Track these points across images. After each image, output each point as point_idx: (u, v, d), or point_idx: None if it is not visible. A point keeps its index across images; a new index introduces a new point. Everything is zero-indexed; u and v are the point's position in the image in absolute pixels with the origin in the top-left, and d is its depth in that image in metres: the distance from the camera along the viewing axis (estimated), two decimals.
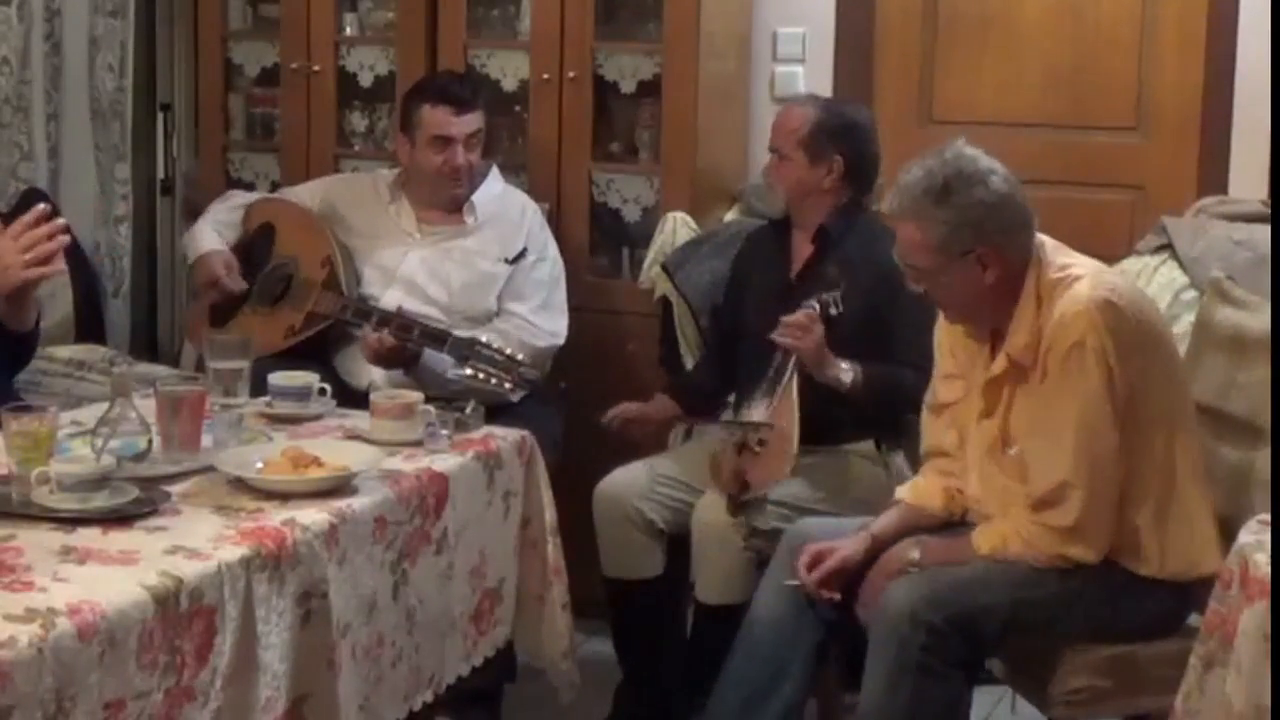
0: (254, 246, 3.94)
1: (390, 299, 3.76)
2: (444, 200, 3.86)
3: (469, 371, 3.33)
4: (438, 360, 3.55)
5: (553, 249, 3.93)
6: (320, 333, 3.76)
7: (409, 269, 3.81)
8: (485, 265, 3.82)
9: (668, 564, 3.49)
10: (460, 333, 3.52)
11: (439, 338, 3.49)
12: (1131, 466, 2.75)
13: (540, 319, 3.80)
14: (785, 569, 3.04)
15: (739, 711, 2.99)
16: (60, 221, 2.83)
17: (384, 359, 3.57)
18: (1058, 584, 2.76)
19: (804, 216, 3.54)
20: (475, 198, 3.87)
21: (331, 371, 3.65)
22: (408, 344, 3.53)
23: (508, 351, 3.37)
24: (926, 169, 2.79)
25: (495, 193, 3.92)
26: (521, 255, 3.84)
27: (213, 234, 3.95)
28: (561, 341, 3.85)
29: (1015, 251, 2.80)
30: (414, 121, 3.82)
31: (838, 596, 2.92)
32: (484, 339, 3.43)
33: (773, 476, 3.30)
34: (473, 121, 3.81)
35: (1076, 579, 2.76)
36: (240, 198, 4.12)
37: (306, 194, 4.03)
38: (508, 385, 3.33)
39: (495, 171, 3.97)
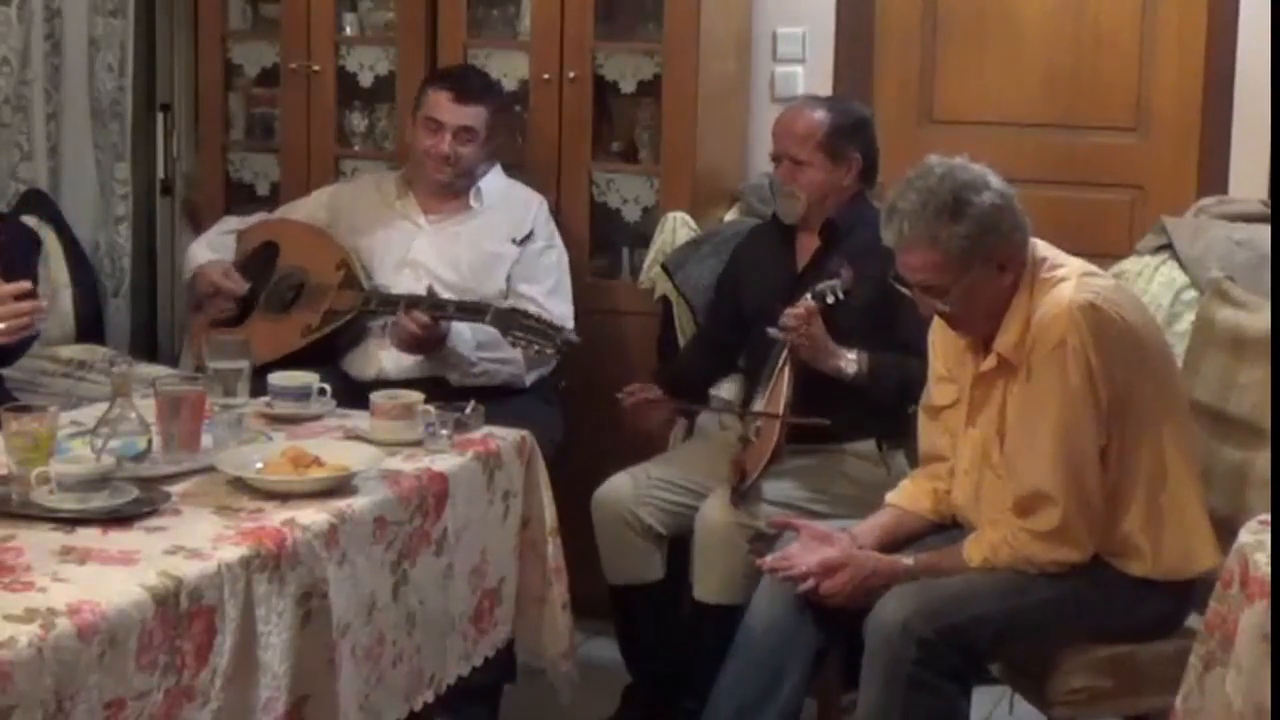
0: (256, 263, 3.93)
1: (402, 283, 3.78)
2: (430, 184, 3.88)
3: (510, 342, 3.37)
4: (463, 342, 3.59)
5: (559, 240, 3.95)
6: (327, 337, 3.75)
7: (417, 253, 3.84)
8: (493, 246, 3.84)
9: (668, 568, 3.49)
10: (497, 303, 3.55)
11: (479, 310, 3.51)
12: (1120, 468, 2.75)
13: (552, 304, 3.81)
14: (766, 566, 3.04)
15: (734, 717, 2.99)
16: (42, 304, 3.01)
17: (417, 342, 3.57)
18: (1048, 589, 2.76)
19: (815, 215, 3.54)
20: (481, 184, 3.90)
21: (337, 369, 3.66)
22: (441, 321, 3.54)
23: (547, 319, 3.41)
24: (925, 191, 2.76)
25: (499, 184, 3.96)
26: (529, 238, 3.86)
27: (206, 250, 3.96)
28: (571, 329, 3.85)
29: (1024, 248, 2.81)
30: (419, 101, 3.89)
31: (811, 584, 2.89)
32: (521, 308, 3.47)
33: (762, 457, 3.32)
34: (468, 115, 3.81)
35: (1067, 583, 2.77)
36: (233, 222, 4.11)
37: (313, 205, 4.04)
38: (550, 351, 3.37)
39: (498, 167, 3.99)
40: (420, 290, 3.71)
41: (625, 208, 4.28)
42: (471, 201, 3.89)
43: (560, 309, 3.83)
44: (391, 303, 3.66)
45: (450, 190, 3.88)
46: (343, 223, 3.94)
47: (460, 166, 3.84)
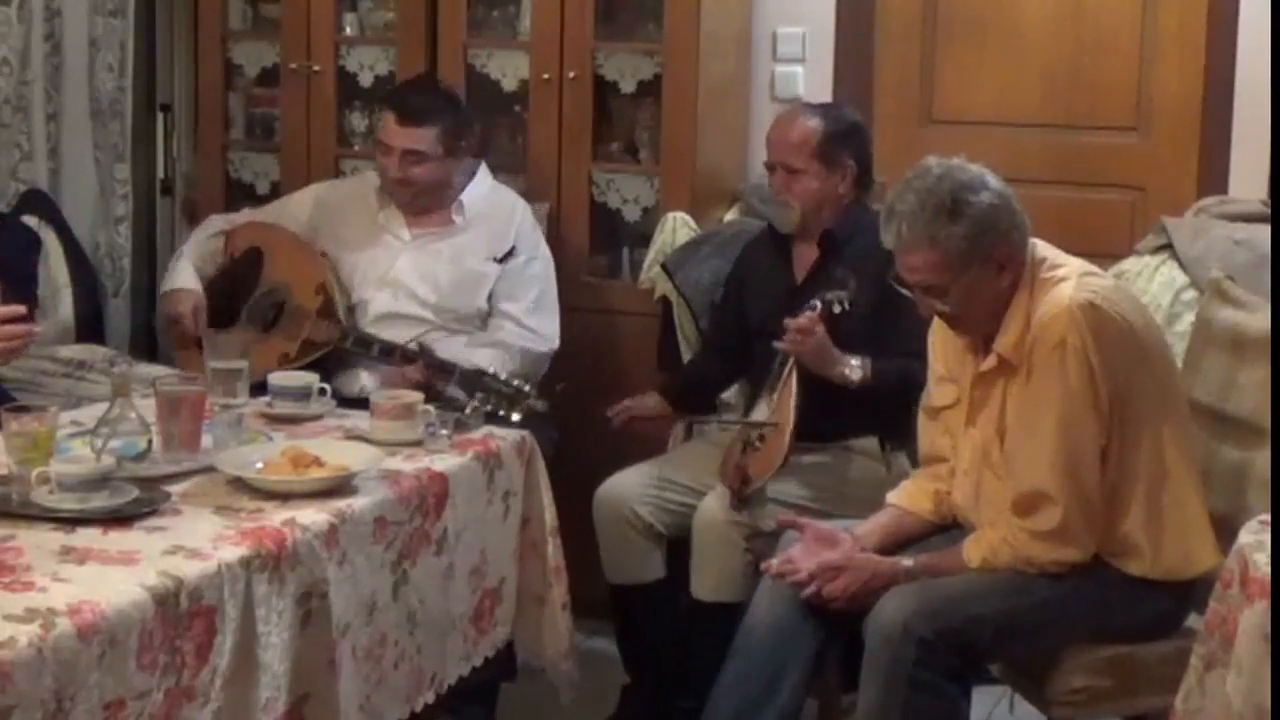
0: (240, 272, 3.89)
1: (380, 302, 3.76)
2: (395, 201, 3.84)
3: (476, 403, 3.30)
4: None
5: (543, 249, 3.91)
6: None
7: (399, 272, 3.79)
8: (474, 264, 3.80)
9: (668, 568, 3.49)
10: (464, 364, 3.46)
11: (446, 369, 3.45)
12: (1119, 467, 2.76)
13: (534, 321, 3.79)
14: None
15: (734, 717, 2.99)
16: (36, 329, 2.97)
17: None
18: (1048, 589, 2.76)
19: (812, 224, 3.53)
20: (464, 197, 3.85)
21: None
22: (435, 379, 3.46)
23: (515, 382, 3.33)
24: (923, 192, 2.76)
25: (483, 191, 3.90)
26: (510, 254, 3.81)
27: (189, 272, 3.88)
28: (557, 345, 3.84)
29: (1023, 247, 2.81)
30: (378, 120, 3.86)
31: (805, 580, 2.89)
32: (490, 370, 3.40)
33: (770, 466, 3.32)
34: (413, 138, 3.73)
35: (1068, 583, 2.77)
36: (219, 223, 4.05)
37: (297, 205, 4.00)
38: (515, 417, 3.30)
39: (484, 170, 3.94)
40: (396, 309, 3.72)
41: (625, 208, 4.27)
42: (454, 216, 3.83)
43: (542, 323, 3.81)
44: (366, 343, 3.61)
45: (424, 206, 3.83)
46: (326, 228, 3.90)
47: (415, 188, 3.78)
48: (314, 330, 3.73)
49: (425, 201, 3.83)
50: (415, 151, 3.75)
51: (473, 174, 3.90)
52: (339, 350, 3.68)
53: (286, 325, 3.76)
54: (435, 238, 3.84)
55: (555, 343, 3.84)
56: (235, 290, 3.87)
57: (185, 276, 3.88)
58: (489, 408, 3.26)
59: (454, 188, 3.85)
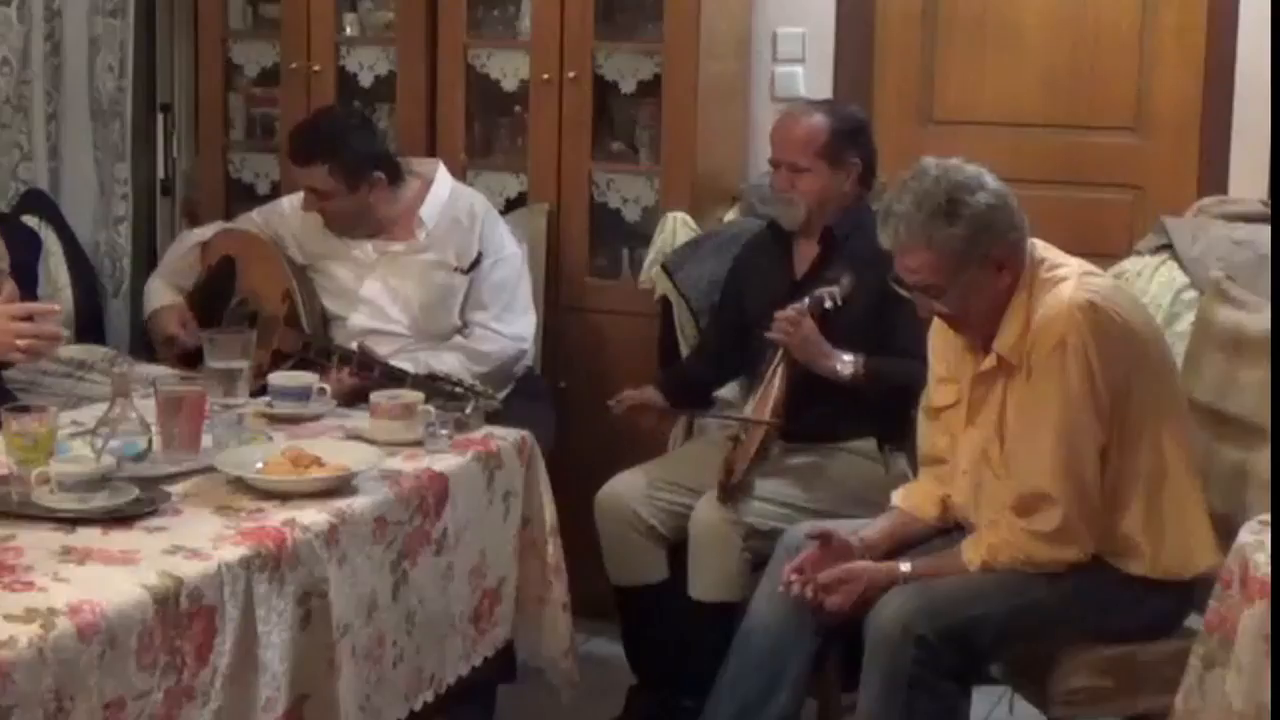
0: (216, 283, 3.89)
1: (355, 322, 3.75)
2: (334, 232, 3.83)
3: (432, 409, 3.27)
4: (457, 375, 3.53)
5: (509, 246, 3.86)
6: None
7: (369, 292, 3.78)
8: (442, 278, 3.77)
9: (671, 569, 3.49)
10: (418, 367, 3.46)
11: (398, 377, 3.40)
12: (1119, 467, 2.76)
13: (502, 325, 3.76)
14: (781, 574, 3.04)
15: (734, 717, 2.99)
16: (62, 333, 2.94)
17: (348, 398, 3.43)
18: (1048, 589, 2.77)
19: (815, 221, 3.53)
20: (423, 211, 3.80)
21: None
22: (368, 383, 3.41)
23: (468, 383, 3.30)
24: (919, 192, 2.77)
25: (442, 199, 3.83)
26: (477, 262, 3.77)
27: (164, 288, 3.91)
28: (527, 345, 3.82)
29: (1022, 247, 2.81)
30: None
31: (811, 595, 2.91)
32: (442, 372, 3.39)
33: (748, 456, 3.32)
34: (306, 177, 3.72)
35: (1068, 582, 2.77)
36: (193, 236, 4.06)
37: (272, 215, 3.97)
38: (475, 421, 3.25)
39: (442, 172, 3.90)
40: (375, 325, 3.71)
41: (625, 208, 4.27)
42: (416, 231, 3.79)
43: (512, 328, 3.77)
44: (326, 353, 3.59)
45: (371, 229, 3.79)
46: (299, 241, 3.88)
47: (337, 221, 3.77)
48: (282, 339, 3.71)
49: (366, 228, 3.79)
50: (313, 189, 3.73)
51: (429, 183, 3.84)
52: (304, 359, 3.64)
53: (260, 336, 3.72)
54: (400, 254, 3.79)
55: (525, 344, 3.81)
56: (214, 301, 3.87)
57: (161, 295, 3.90)
58: (448, 409, 3.22)
59: (400, 204, 3.79)
